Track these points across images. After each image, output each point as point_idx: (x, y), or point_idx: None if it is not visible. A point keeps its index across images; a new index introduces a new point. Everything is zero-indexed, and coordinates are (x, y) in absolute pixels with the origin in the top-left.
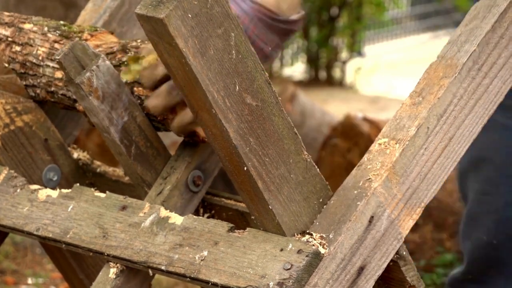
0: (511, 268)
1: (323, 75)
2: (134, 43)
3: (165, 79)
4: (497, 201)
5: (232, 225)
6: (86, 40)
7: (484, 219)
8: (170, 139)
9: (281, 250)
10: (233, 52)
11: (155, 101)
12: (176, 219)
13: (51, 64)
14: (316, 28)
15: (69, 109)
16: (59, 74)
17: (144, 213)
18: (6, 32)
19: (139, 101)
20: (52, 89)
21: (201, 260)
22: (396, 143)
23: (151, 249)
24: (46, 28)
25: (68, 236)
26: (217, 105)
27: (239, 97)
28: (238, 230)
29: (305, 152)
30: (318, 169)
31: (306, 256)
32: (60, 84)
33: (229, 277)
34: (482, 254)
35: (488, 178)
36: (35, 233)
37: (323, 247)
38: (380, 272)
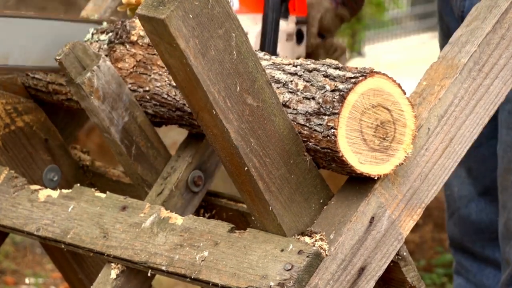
0: None
1: None
2: None
3: None
4: None
5: (232, 225)
6: None
7: None
8: (171, 139)
9: (282, 250)
10: (234, 52)
11: None
12: (177, 219)
13: None
14: None
15: None
16: None
17: (145, 213)
18: None
19: None
20: None
21: (202, 260)
22: None
23: (151, 250)
24: None
25: (68, 236)
26: (218, 105)
27: (240, 98)
28: (239, 231)
29: (306, 153)
30: (318, 170)
31: (307, 256)
32: None
33: (230, 277)
34: None
35: None
36: (35, 233)
37: (323, 247)
38: (380, 273)
